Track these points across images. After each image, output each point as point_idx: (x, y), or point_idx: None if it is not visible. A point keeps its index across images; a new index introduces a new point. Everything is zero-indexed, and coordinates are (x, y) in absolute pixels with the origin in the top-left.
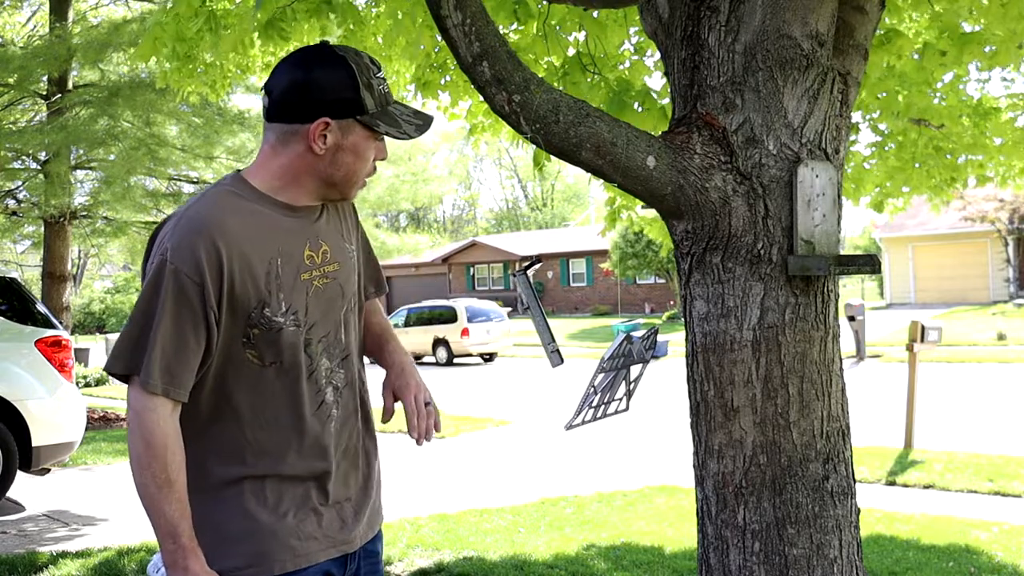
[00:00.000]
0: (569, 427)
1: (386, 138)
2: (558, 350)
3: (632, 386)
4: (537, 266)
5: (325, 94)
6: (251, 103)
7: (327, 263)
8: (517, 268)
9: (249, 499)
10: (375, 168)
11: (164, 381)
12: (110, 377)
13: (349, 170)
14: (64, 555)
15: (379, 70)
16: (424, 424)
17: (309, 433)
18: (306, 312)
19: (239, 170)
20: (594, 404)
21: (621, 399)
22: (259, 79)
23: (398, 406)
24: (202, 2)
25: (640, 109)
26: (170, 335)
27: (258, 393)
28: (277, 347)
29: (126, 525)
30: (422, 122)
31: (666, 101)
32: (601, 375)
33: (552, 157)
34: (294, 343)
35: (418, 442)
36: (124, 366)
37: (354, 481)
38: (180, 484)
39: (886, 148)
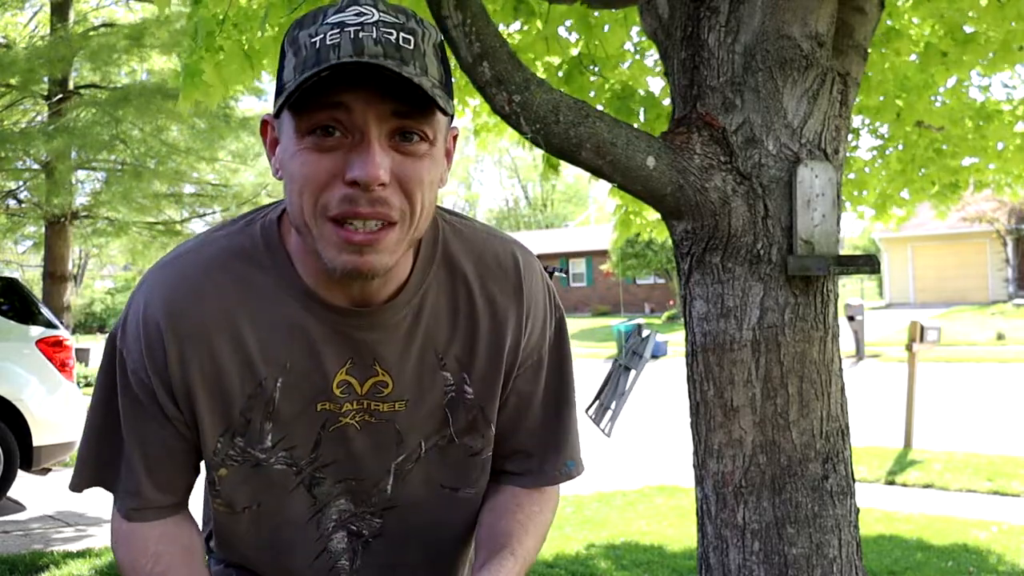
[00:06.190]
0: (610, 434)
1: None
2: None
3: (604, 386)
4: (559, 273)
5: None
6: (253, 104)
7: (378, 399)
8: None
9: None
10: (362, 188)
11: (140, 502)
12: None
13: (290, 193)
14: (66, 555)
15: (346, 9)
16: None
17: None
18: (313, 449)
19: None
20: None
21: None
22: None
23: None
24: (219, 26)
25: (643, 116)
26: (137, 441)
27: (229, 533)
28: (251, 486)
29: None
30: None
31: (667, 102)
32: (631, 375)
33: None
34: (280, 484)
35: None
36: (91, 480)
37: None
38: None
39: (887, 152)
